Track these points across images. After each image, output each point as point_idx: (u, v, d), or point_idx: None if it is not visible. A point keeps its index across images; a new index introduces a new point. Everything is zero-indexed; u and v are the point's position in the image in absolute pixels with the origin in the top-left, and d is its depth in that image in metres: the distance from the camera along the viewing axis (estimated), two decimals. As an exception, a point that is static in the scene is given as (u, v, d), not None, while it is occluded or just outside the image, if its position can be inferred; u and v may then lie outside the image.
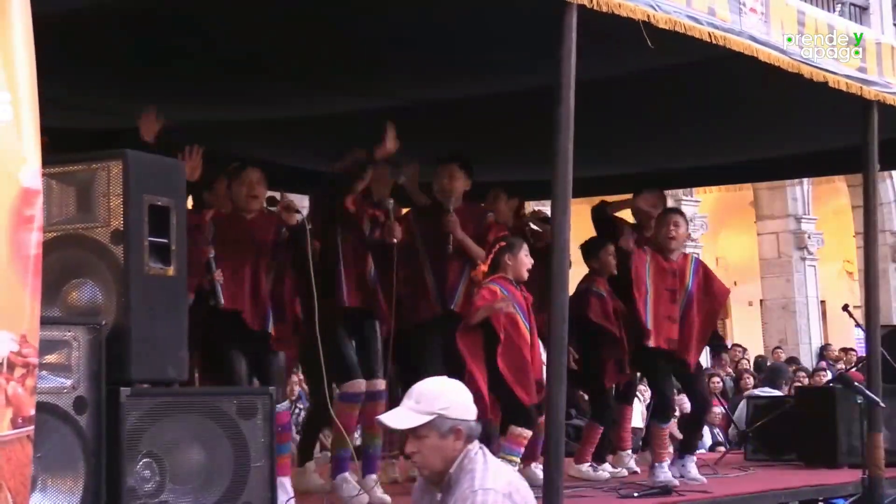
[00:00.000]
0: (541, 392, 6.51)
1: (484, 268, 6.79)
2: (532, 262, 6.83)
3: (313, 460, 7.37)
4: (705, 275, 8.06)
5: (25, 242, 3.26)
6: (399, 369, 7.31)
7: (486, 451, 3.89)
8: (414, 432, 3.83)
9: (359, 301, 6.69)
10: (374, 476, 6.63)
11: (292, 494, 6.23)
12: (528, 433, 6.54)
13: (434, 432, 3.82)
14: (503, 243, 6.79)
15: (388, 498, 6.47)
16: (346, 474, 6.55)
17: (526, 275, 6.75)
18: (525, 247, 6.82)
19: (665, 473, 7.60)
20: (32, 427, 3.30)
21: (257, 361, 6.22)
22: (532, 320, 6.64)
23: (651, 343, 7.70)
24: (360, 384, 6.56)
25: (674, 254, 7.91)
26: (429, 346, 6.99)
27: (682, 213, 8.41)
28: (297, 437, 8.17)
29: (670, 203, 18.48)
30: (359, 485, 6.56)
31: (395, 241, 6.68)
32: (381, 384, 6.69)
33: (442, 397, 3.87)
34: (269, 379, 6.06)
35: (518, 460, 6.56)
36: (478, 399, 6.48)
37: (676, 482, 7.57)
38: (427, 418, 3.81)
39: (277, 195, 6.61)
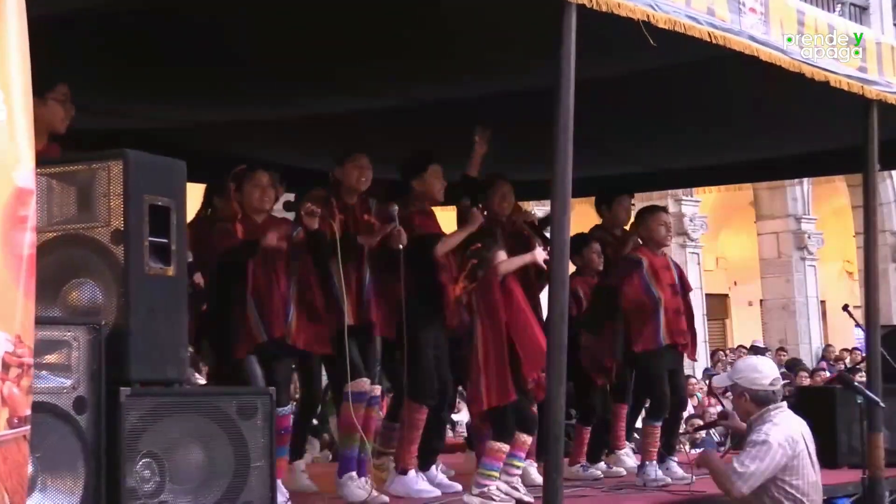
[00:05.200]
0: (540, 393, 6.49)
1: (458, 288, 6.71)
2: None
3: (302, 459, 7.39)
4: (682, 272, 8.21)
5: (19, 242, 3.26)
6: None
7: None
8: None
9: (356, 318, 6.62)
10: (352, 474, 6.57)
11: (287, 495, 6.25)
12: (506, 448, 6.42)
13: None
14: (475, 260, 6.61)
15: (385, 498, 6.49)
16: (353, 473, 6.53)
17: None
18: (500, 254, 6.57)
19: (657, 471, 7.62)
20: (28, 427, 3.30)
21: (266, 365, 6.20)
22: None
23: (666, 342, 7.77)
24: (365, 384, 6.54)
25: (661, 249, 7.99)
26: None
27: (660, 209, 8.44)
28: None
29: (670, 203, 18.61)
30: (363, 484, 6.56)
31: (400, 247, 6.55)
32: (375, 390, 6.66)
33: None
34: (277, 383, 6.00)
35: (497, 475, 6.40)
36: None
37: (669, 479, 7.59)
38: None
39: (291, 197, 6.64)
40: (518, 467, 6.53)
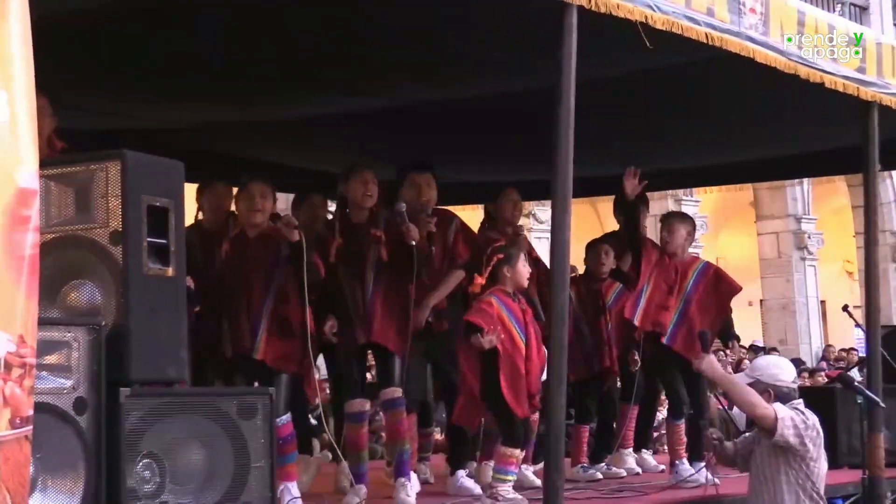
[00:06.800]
0: (534, 403, 6.52)
1: (481, 280, 6.75)
2: (530, 270, 6.79)
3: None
4: (716, 275, 8.17)
5: (21, 243, 3.25)
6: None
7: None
8: None
9: (367, 335, 6.62)
10: (402, 479, 6.57)
11: (297, 496, 6.28)
12: (518, 453, 6.48)
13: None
14: (501, 255, 6.68)
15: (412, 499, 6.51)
16: (362, 486, 6.58)
17: (526, 283, 6.71)
18: (523, 256, 6.74)
19: (688, 470, 7.59)
20: (30, 427, 3.29)
21: (261, 379, 6.15)
22: (531, 331, 6.57)
23: (637, 323, 7.91)
24: (358, 404, 6.59)
25: (677, 256, 8.01)
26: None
27: (680, 218, 8.43)
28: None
29: (670, 203, 18.59)
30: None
31: (413, 242, 6.50)
32: (395, 392, 6.59)
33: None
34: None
35: (512, 479, 6.48)
36: (474, 407, 6.57)
37: (703, 479, 7.54)
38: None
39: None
40: (506, 481, 6.47)
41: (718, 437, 6.32)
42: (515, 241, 7.54)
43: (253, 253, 6.31)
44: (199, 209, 7.33)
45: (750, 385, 5.89)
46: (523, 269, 6.66)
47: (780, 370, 5.96)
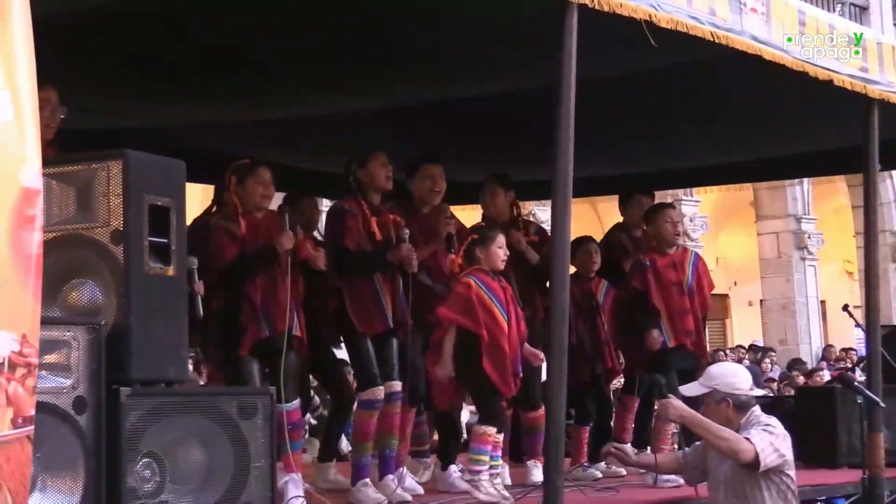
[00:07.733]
0: (517, 383, 6.51)
1: (457, 259, 6.75)
2: (507, 253, 6.69)
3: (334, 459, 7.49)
4: (702, 270, 8.09)
5: (27, 242, 3.25)
6: None
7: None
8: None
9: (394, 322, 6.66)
10: (391, 476, 6.59)
11: (300, 493, 6.23)
12: (496, 433, 6.48)
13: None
14: (475, 235, 6.70)
15: (419, 488, 6.48)
16: (367, 480, 6.51)
17: (501, 266, 6.62)
18: (499, 238, 6.65)
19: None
20: (32, 427, 3.29)
21: (271, 361, 6.14)
22: (512, 311, 6.55)
23: (671, 344, 7.76)
24: (379, 391, 6.52)
25: (672, 248, 7.95)
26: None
27: (671, 206, 8.40)
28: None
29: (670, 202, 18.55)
30: (379, 488, 6.56)
31: (414, 271, 6.61)
32: (396, 385, 6.61)
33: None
34: (285, 377, 6.00)
35: (487, 459, 6.47)
36: (445, 388, 6.54)
37: (680, 480, 7.56)
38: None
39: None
40: (481, 461, 6.47)
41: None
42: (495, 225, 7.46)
43: (269, 236, 6.26)
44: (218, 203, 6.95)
45: (707, 395, 5.60)
46: (497, 251, 6.59)
47: (738, 378, 5.61)
